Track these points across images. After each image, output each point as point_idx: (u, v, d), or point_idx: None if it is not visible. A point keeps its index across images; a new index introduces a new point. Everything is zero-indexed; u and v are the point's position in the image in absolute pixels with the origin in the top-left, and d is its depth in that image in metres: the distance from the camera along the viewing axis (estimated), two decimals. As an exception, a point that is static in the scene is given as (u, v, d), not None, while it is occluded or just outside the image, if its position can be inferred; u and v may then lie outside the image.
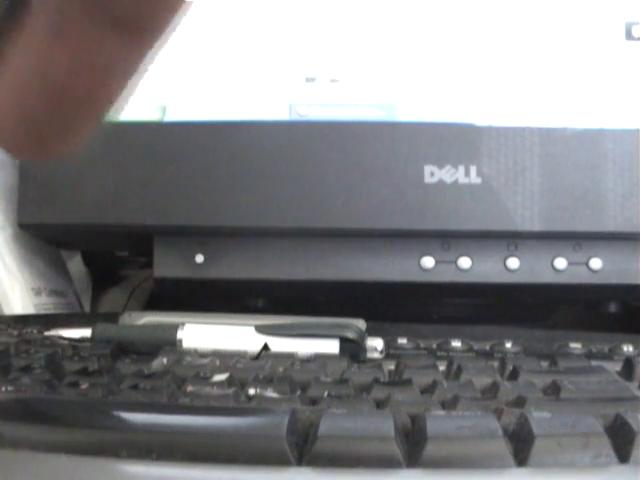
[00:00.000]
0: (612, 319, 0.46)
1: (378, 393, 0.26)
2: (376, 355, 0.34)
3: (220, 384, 0.27)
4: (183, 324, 0.34)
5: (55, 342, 0.35)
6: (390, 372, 0.31)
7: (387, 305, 0.48)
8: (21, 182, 0.42)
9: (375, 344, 0.34)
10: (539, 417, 0.22)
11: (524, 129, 0.40)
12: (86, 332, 0.35)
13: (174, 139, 0.41)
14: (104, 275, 0.58)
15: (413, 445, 0.21)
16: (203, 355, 0.32)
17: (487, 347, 0.36)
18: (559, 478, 0.20)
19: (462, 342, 0.37)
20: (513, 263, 0.41)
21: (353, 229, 0.41)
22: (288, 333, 0.34)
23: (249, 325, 0.34)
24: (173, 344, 0.34)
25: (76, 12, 0.15)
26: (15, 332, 0.36)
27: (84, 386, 0.27)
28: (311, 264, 0.42)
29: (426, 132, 0.41)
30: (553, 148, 0.40)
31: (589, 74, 0.42)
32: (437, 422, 0.22)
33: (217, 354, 0.32)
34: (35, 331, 0.37)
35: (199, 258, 0.42)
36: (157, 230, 0.42)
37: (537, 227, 0.40)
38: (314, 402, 0.25)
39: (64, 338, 0.35)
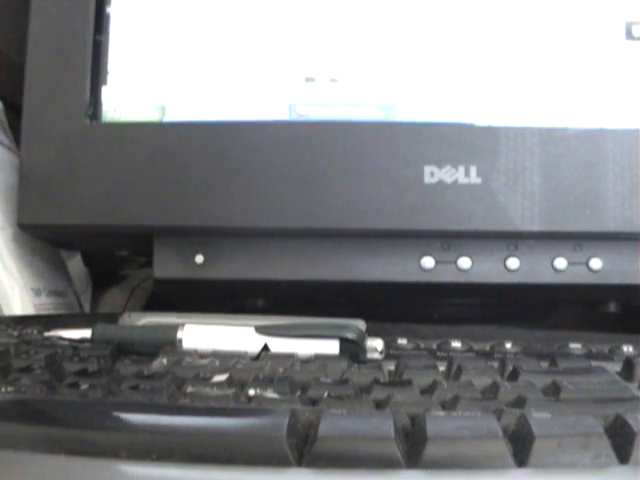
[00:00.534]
0: (612, 319, 0.46)
1: (378, 393, 0.26)
2: (376, 355, 0.34)
3: (220, 385, 0.27)
4: (183, 324, 0.34)
5: (55, 343, 0.35)
6: (390, 372, 0.31)
7: (387, 305, 0.48)
8: (21, 182, 0.42)
9: (375, 344, 0.34)
10: (539, 417, 0.22)
11: (524, 129, 0.40)
12: (86, 333, 0.35)
13: (174, 139, 0.41)
14: (104, 275, 0.58)
15: (413, 445, 0.21)
16: (203, 356, 0.32)
17: (487, 347, 0.36)
18: (559, 478, 0.20)
19: (462, 342, 0.37)
20: (513, 263, 0.41)
21: (353, 229, 0.41)
22: (288, 333, 0.34)
23: (249, 325, 0.34)
24: (173, 345, 0.34)
25: None
26: (15, 333, 0.36)
27: (84, 387, 0.27)
28: (311, 264, 0.42)
29: (426, 132, 0.41)
30: (553, 148, 0.40)
31: (589, 74, 0.42)
32: (437, 422, 0.22)
33: (217, 355, 0.32)
34: (35, 332, 0.37)
35: (199, 258, 0.42)
36: (157, 230, 0.42)
37: (537, 227, 0.40)
38: (314, 403, 0.25)
39: (64, 339, 0.35)
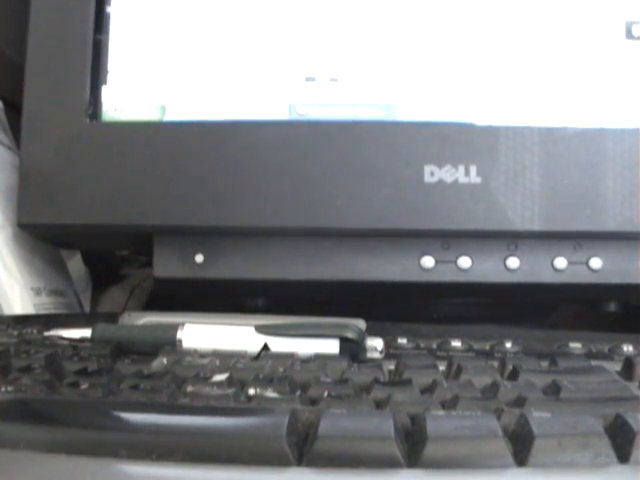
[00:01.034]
0: (612, 319, 0.46)
1: (378, 393, 0.26)
2: (376, 355, 0.34)
3: (220, 384, 0.27)
4: (183, 324, 0.34)
5: (55, 342, 0.35)
6: (390, 372, 0.31)
7: (387, 305, 0.48)
8: (21, 182, 0.42)
9: (375, 344, 0.34)
10: (539, 417, 0.22)
11: (524, 129, 0.40)
12: (86, 332, 0.35)
13: (174, 139, 0.41)
14: (104, 275, 0.58)
15: (413, 445, 0.21)
16: (203, 355, 0.32)
17: (487, 347, 0.36)
18: (559, 478, 0.20)
19: (462, 342, 0.37)
20: (513, 263, 0.41)
21: (353, 229, 0.41)
22: (288, 333, 0.34)
23: (249, 325, 0.34)
24: (173, 344, 0.33)
25: None
26: (15, 332, 0.36)
27: (84, 386, 0.27)
28: (311, 264, 0.42)
29: (426, 132, 0.41)
30: (553, 148, 0.40)
31: (589, 74, 0.42)
32: (437, 422, 0.22)
33: (217, 354, 0.32)
34: (35, 331, 0.37)
35: (199, 258, 0.42)
36: (157, 230, 0.42)
37: (537, 227, 0.40)
38: (314, 402, 0.25)
39: (64, 338, 0.35)
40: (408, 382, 0.27)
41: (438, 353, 0.36)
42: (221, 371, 0.29)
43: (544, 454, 0.20)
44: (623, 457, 0.21)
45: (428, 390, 0.27)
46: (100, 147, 0.42)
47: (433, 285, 0.42)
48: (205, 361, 0.31)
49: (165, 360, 0.31)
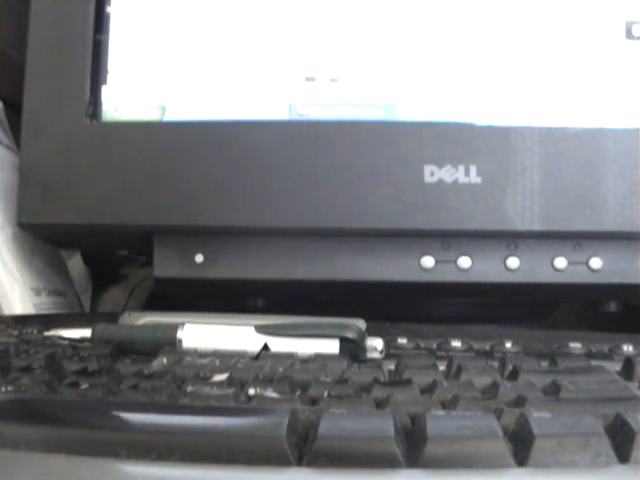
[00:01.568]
0: (612, 319, 0.46)
1: (378, 393, 0.26)
2: (376, 355, 0.34)
3: (220, 384, 0.27)
4: (183, 324, 0.34)
5: (55, 342, 0.35)
6: (390, 372, 0.31)
7: (387, 305, 0.48)
8: (21, 182, 0.42)
9: (375, 344, 0.34)
10: (539, 417, 0.22)
11: (524, 129, 0.40)
12: (86, 332, 0.35)
13: (174, 139, 0.41)
14: (104, 275, 0.58)
15: (413, 445, 0.21)
16: (203, 355, 0.32)
17: (487, 347, 0.36)
18: (559, 478, 0.20)
19: (462, 342, 0.37)
20: (513, 263, 0.41)
21: (353, 229, 0.41)
22: (288, 333, 0.34)
23: (249, 325, 0.34)
24: (173, 344, 0.34)
25: None
26: (15, 332, 0.36)
27: (84, 386, 0.27)
28: (311, 264, 0.42)
29: (426, 132, 0.41)
30: (553, 148, 0.40)
31: (589, 74, 0.42)
32: (437, 422, 0.22)
33: (217, 354, 0.32)
34: (35, 331, 0.37)
35: (199, 258, 0.42)
36: (157, 230, 0.42)
37: (537, 227, 0.40)
38: (314, 402, 0.25)
39: (64, 338, 0.35)
40: (408, 382, 0.27)
41: (438, 353, 0.36)
42: (221, 371, 0.29)
43: (544, 454, 0.20)
44: (623, 457, 0.21)
45: (428, 390, 0.27)
46: (100, 147, 0.41)
47: (433, 285, 0.42)
48: (205, 361, 0.31)
49: (165, 360, 0.31)
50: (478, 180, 0.40)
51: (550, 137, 0.40)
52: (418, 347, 0.37)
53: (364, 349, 0.34)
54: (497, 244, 0.41)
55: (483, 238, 0.41)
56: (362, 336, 0.34)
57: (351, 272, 0.42)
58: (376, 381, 0.28)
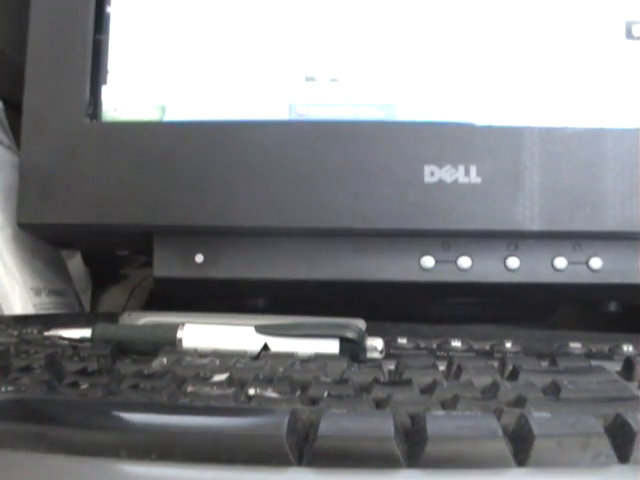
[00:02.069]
0: (612, 319, 0.46)
1: (378, 393, 0.26)
2: (376, 355, 0.34)
3: (220, 384, 0.27)
4: (183, 324, 0.34)
5: (55, 342, 0.35)
6: (390, 372, 0.31)
7: (387, 305, 0.48)
8: (21, 182, 0.42)
9: (375, 344, 0.34)
10: (539, 417, 0.22)
11: (524, 129, 0.40)
12: (86, 332, 0.35)
13: (174, 139, 0.41)
14: (104, 275, 0.58)
15: (413, 445, 0.21)
16: (203, 355, 0.32)
17: (487, 347, 0.36)
18: (559, 478, 0.20)
19: (462, 342, 0.37)
20: (513, 263, 0.41)
21: (353, 229, 0.41)
22: (288, 333, 0.34)
23: (249, 325, 0.34)
24: (173, 344, 0.34)
25: None
26: (15, 332, 0.36)
27: (84, 386, 0.27)
28: (311, 264, 0.42)
29: (426, 132, 0.41)
30: (553, 147, 0.40)
31: (589, 74, 0.42)
32: (437, 422, 0.22)
33: (217, 354, 0.32)
34: (35, 331, 0.37)
35: (199, 258, 0.42)
36: (157, 230, 0.42)
37: (537, 227, 0.40)
38: (314, 402, 0.25)
39: (64, 338, 0.35)
40: (408, 382, 0.27)
41: (438, 353, 0.36)
42: (221, 371, 0.29)
43: (544, 454, 0.20)
44: (623, 457, 0.21)
45: (428, 390, 0.27)
46: (100, 147, 0.41)
47: (433, 285, 0.42)
48: (205, 361, 0.31)
49: (165, 360, 0.31)
50: (478, 180, 0.40)
51: (550, 137, 0.40)
52: (418, 347, 0.37)
53: (364, 349, 0.34)
54: (497, 244, 0.41)
55: (483, 238, 0.41)
56: (362, 336, 0.34)
57: (351, 272, 0.42)
58: (376, 381, 0.28)
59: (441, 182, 0.40)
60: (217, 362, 0.30)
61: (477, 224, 0.40)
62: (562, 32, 0.42)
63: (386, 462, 0.20)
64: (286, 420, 0.22)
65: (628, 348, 0.36)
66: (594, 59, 0.42)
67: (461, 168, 0.40)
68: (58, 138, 0.42)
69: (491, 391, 0.27)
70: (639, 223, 0.39)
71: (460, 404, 0.25)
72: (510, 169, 0.40)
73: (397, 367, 0.31)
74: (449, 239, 0.41)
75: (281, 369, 0.30)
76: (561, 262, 0.41)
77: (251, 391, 0.26)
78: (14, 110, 0.48)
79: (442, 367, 0.31)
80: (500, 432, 0.21)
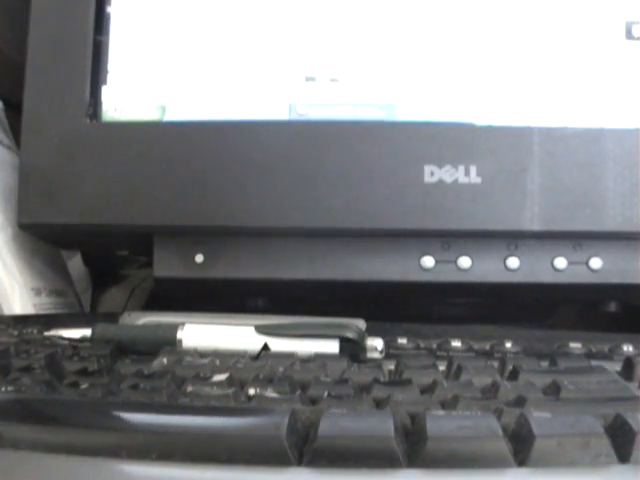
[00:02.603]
0: (612, 319, 0.46)
1: (378, 393, 0.26)
2: (376, 355, 0.34)
3: (220, 384, 0.27)
4: (183, 324, 0.34)
5: (55, 342, 0.35)
6: (390, 372, 0.31)
7: (387, 305, 0.48)
8: (21, 182, 0.42)
9: (375, 344, 0.34)
10: (539, 417, 0.22)
11: (524, 129, 0.40)
12: (86, 332, 0.35)
13: (174, 139, 0.41)
14: (104, 275, 0.58)
15: (413, 445, 0.21)
16: (203, 355, 0.32)
17: (487, 347, 0.36)
18: (559, 478, 0.20)
19: (462, 342, 0.37)
20: (513, 263, 0.41)
21: (353, 229, 0.41)
22: (288, 333, 0.34)
23: (249, 325, 0.34)
24: (173, 344, 0.34)
25: None
26: (15, 332, 0.36)
27: (84, 386, 0.27)
28: (311, 264, 0.42)
29: (426, 132, 0.41)
30: (553, 147, 0.40)
31: (589, 74, 0.42)
32: (437, 422, 0.22)
33: (217, 354, 0.32)
34: (35, 331, 0.37)
35: (199, 258, 0.42)
36: (157, 230, 0.42)
37: (537, 227, 0.40)
38: (314, 402, 0.25)
39: (64, 338, 0.35)
40: (408, 382, 0.27)
41: (438, 353, 0.36)
42: (221, 371, 0.29)
43: (544, 454, 0.20)
44: (623, 457, 0.21)
45: (428, 390, 0.27)
46: (100, 147, 0.41)
47: (433, 285, 0.42)
48: (205, 361, 0.31)
49: (165, 360, 0.31)
50: (478, 180, 0.40)
51: (550, 137, 0.40)
52: (418, 347, 0.37)
53: (364, 349, 0.34)
54: (497, 244, 0.41)
55: (483, 238, 0.41)
56: (362, 336, 0.34)
57: (351, 272, 0.42)
58: (376, 381, 0.28)
59: (441, 182, 0.40)
60: (217, 362, 0.30)
61: (477, 224, 0.40)
62: (562, 32, 0.42)
63: (386, 462, 0.20)
64: (286, 420, 0.22)
65: (628, 348, 0.36)
66: (594, 59, 0.42)
67: (461, 168, 0.40)
68: (58, 138, 0.42)
69: (491, 391, 0.27)
70: (639, 223, 0.39)
71: (460, 404, 0.25)
72: (510, 169, 0.40)
73: (397, 367, 0.31)
74: (449, 239, 0.41)
75: (281, 369, 0.30)
76: (561, 262, 0.41)
77: (251, 391, 0.26)
78: (14, 110, 0.48)
79: (442, 367, 0.31)
80: (500, 432, 0.21)
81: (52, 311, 0.47)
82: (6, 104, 0.51)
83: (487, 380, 0.28)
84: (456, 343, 0.37)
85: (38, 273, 0.47)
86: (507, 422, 0.22)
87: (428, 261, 0.41)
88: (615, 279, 0.41)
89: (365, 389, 0.27)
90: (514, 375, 0.29)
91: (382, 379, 0.29)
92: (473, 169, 0.40)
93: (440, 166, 0.40)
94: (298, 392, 0.27)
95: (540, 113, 0.42)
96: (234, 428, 0.22)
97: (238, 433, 0.22)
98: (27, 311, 0.44)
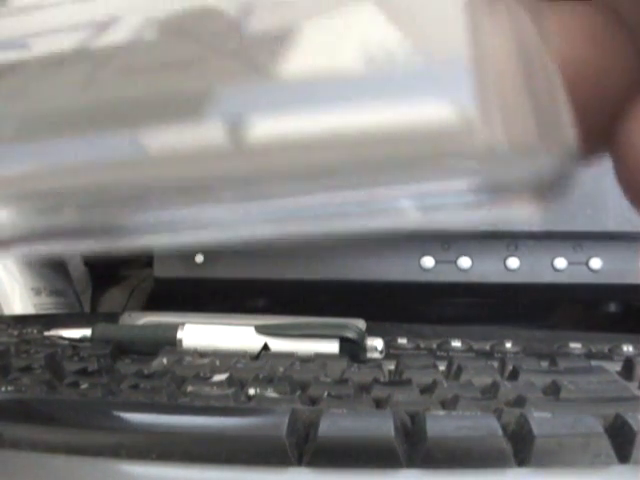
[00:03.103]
0: (612, 319, 0.46)
1: (378, 393, 0.26)
2: (376, 355, 0.34)
3: (220, 384, 0.27)
4: (183, 324, 0.34)
5: (55, 342, 0.35)
6: (390, 372, 0.31)
7: (387, 305, 0.48)
8: None
9: (375, 344, 0.34)
10: (539, 417, 0.22)
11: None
12: (86, 332, 0.35)
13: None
14: (104, 275, 0.58)
15: (413, 445, 0.21)
16: (203, 355, 0.32)
17: (487, 347, 0.36)
18: (559, 478, 0.20)
19: (462, 342, 0.37)
20: (513, 263, 0.41)
21: (353, 229, 0.40)
22: (288, 333, 0.34)
23: (249, 325, 0.34)
24: (173, 344, 0.33)
25: None
26: (15, 332, 0.36)
27: (84, 386, 0.27)
28: (311, 264, 0.42)
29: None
30: (553, 148, 0.40)
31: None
32: (437, 422, 0.22)
33: (217, 354, 0.32)
34: (35, 331, 0.37)
35: (199, 258, 0.42)
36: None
37: (537, 227, 0.40)
38: (314, 402, 0.25)
39: (64, 338, 0.35)
40: (408, 382, 0.27)
41: (438, 353, 0.36)
42: (221, 371, 0.29)
43: (544, 454, 0.20)
44: (623, 457, 0.21)
45: (428, 390, 0.27)
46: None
47: (433, 285, 0.42)
48: (205, 361, 0.31)
49: (165, 360, 0.31)
50: (478, 180, 0.40)
51: (550, 137, 0.40)
52: (418, 347, 0.37)
53: (364, 349, 0.34)
54: (497, 244, 0.41)
55: (483, 238, 0.41)
56: (362, 336, 0.34)
57: (351, 272, 0.41)
58: (376, 381, 0.28)
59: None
60: (217, 362, 0.30)
61: (477, 224, 0.40)
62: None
63: (386, 462, 0.20)
64: (286, 420, 0.22)
65: (628, 348, 0.36)
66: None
67: (461, 168, 0.40)
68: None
69: (491, 391, 0.27)
70: (639, 223, 0.39)
71: (460, 404, 0.25)
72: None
73: (397, 367, 0.31)
74: (449, 239, 0.41)
75: (281, 369, 0.30)
76: (561, 262, 0.41)
77: (251, 391, 0.26)
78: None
79: (442, 367, 0.31)
80: (500, 432, 0.21)
81: (52, 311, 0.47)
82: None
83: (487, 380, 0.28)
84: (456, 343, 0.36)
85: (38, 273, 0.47)
86: (507, 422, 0.22)
87: (428, 261, 0.41)
88: (615, 279, 0.41)
89: (365, 389, 0.27)
90: (514, 375, 0.29)
91: (382, 379, 0.29)
92: (473, 169, 0.40)
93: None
94: (298, 392, 0.27)
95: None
96: (234, 428, 0.22)
97: (238, 433, 0.22)
98: (27, 311, 0.44)
